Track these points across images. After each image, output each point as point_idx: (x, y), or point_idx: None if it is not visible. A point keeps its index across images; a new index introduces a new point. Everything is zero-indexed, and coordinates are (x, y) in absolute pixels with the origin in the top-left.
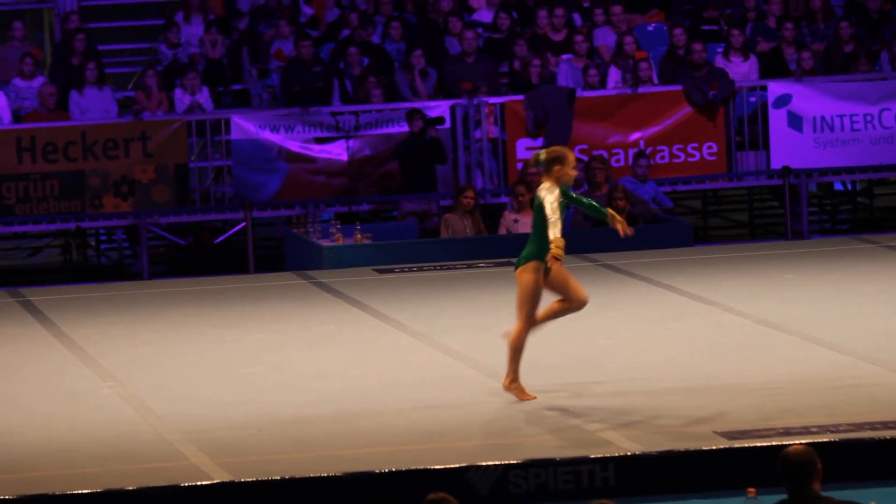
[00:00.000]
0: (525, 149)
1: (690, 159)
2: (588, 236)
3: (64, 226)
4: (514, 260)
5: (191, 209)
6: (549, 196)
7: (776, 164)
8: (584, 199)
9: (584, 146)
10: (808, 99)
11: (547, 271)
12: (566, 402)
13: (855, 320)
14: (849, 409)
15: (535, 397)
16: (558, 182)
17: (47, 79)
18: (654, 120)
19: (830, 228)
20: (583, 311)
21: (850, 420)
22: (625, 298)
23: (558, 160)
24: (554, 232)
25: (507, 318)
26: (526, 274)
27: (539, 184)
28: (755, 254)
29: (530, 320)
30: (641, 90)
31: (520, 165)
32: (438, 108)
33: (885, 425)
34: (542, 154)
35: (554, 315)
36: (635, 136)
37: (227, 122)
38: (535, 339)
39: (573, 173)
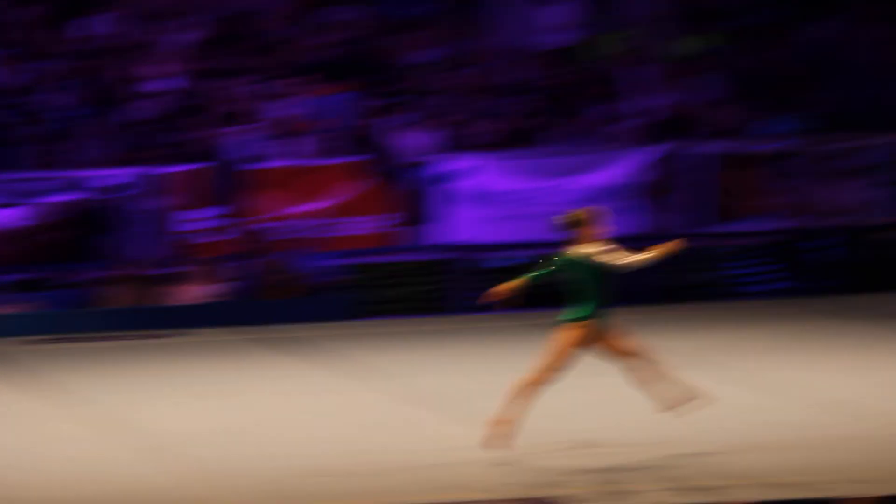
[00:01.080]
0: (192, 220)
1: (363, 232)
2: (252, 308)
3: None
4: (183, 332)
5: None
6: (602, 255)
7: (445, 238)
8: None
9: (259, 216)
10: (487, 173)
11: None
12: (194, 478)
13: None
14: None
15: None
16: (588, 241)
17: None
18: (329, 191)
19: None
20: (226, 388)
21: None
22: (281, 372)
23: (582, 222)
24: (643, 255)
25: (163, 390)
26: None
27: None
28: (413, 329)
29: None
30: (319, 162)
31: (183, 238)
32: (112, 177)
33: None
34: (570, 217)
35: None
36: (309, 206)
37: None
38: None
39: (597, 231)
